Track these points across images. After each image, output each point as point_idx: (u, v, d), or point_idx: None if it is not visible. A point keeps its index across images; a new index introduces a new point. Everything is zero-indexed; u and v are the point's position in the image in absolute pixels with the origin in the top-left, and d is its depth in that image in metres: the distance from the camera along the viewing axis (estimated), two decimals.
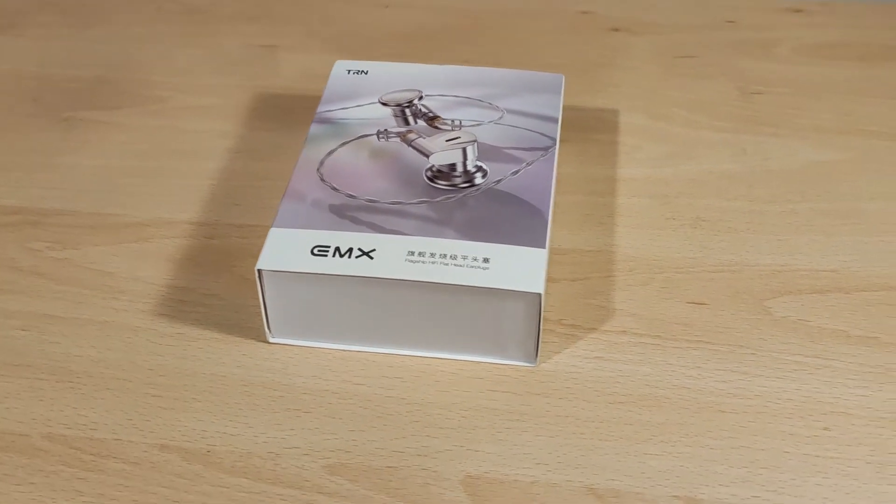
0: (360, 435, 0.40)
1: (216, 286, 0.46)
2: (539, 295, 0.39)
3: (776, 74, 0.59)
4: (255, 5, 0.66)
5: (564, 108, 0.56)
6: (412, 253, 0.41)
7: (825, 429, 0.40)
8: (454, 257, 0.40)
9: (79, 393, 0.41)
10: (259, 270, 0.40)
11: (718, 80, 0.59)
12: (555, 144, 0.46)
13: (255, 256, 0.47)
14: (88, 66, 0.60)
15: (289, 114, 0.56)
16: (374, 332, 0.42)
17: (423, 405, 0.41)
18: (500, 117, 0.48)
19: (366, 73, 0.51)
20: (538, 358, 0.42)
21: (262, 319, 0.44)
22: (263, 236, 0.48)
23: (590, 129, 0.55)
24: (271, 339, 0.43)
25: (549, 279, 0.46)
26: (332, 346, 0.43)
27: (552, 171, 0.45)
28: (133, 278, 0.46)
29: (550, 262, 0.47)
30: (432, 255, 0.40)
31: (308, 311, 0.42)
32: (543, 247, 0.41)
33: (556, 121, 0.48)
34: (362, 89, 0.50)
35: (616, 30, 0.63)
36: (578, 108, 0.56)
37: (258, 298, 0.44)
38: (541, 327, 0.41)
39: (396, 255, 0.40)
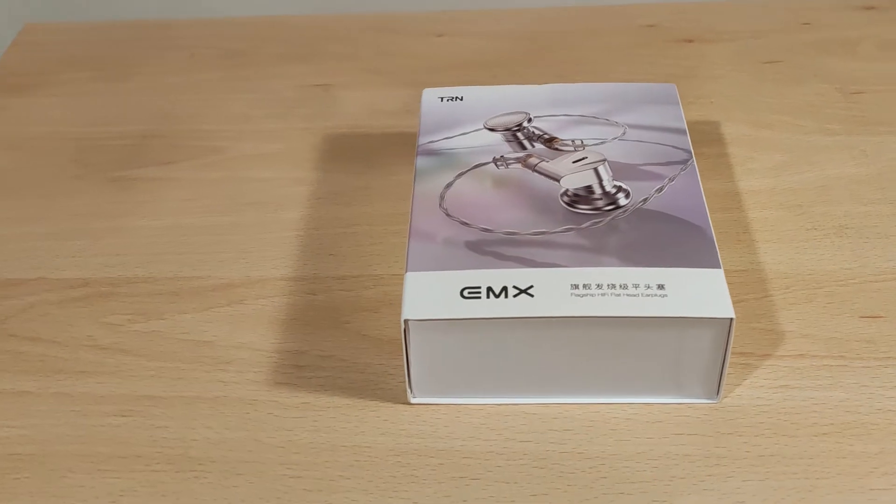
0: (544, 499, 0.34)
1: (332, 346, 0.41)
2: (731, 320, 0.35)
3: (868, 73, 0.56)
4: (301, 45, 0.61)
5: None
6: (576, 286, 0.36)
7: None
8: (624, 286, 0.36)
9: (205, 482, 0.35)
10: (406, 321, 0.35)
11: (812, 82, 0.55)
12: (692, 157, 0.42)
13: (368, 310, 0.42)
14: (130, 121, 0.55)
15: (363, 153, 0.51)
16: (527, 381, 0.37)
17: (606, 458, 0.36)
18: (623, 133, 0.43)
19: (461, 100, 0.46)
20: (720, 393, 0.37)
21: (399, 378, 0.38)
22: (370, 287, 0.43)
23: (693, 142, 0.51)
24: (412, 400, 0.38)
25: None
26: (480, 402, 0.38)
27: (699, 184, 0.40)
28: (235, 346, 0.41)
29: None
30: (599, 285, 0.36)
31: (454, 364, 0.37)
32: (719, 267, 0.36)
33: (684, 132, 0.43)
34: (462, 116, 0.45)
35: (689, 41, 0.60)
36: None
37: (386, 356, 0.39)
38: (728, 357, 0.36)
39: (558, 289, 0.36)
